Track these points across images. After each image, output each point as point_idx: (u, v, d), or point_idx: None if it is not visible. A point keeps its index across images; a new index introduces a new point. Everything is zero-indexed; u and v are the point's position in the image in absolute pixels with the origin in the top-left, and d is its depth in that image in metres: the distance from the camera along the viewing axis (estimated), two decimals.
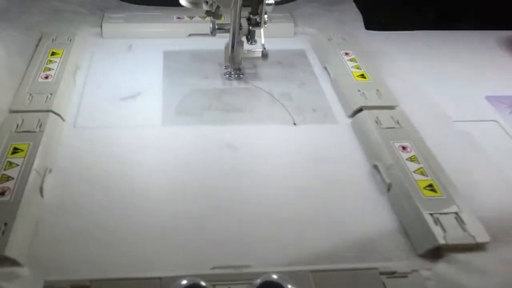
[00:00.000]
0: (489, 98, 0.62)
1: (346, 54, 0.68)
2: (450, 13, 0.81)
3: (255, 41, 0.63)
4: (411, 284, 0.38)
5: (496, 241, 0.42)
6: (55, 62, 0.63)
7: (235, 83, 0.64)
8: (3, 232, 0.40)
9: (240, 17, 0.59)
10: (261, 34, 0.62)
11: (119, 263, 0.41)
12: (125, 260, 0.41)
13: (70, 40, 0.68)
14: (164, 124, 0.56)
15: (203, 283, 0.37)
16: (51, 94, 0.57)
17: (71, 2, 0.76)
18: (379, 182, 0.50)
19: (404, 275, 0.38)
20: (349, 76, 0.63)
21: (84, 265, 0.40)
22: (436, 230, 0.42)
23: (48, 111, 0.54)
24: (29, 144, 0.49)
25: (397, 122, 0.55)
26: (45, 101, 0.56)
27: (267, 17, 0.59)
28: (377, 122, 0.55)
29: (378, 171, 0.50)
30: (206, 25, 0.61)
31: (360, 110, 0.58)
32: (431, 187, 0.47)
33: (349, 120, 0.58)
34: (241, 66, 0.64)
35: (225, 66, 0.65)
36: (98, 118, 0.57)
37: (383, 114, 0.56)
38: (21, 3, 0.73)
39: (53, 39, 0.68)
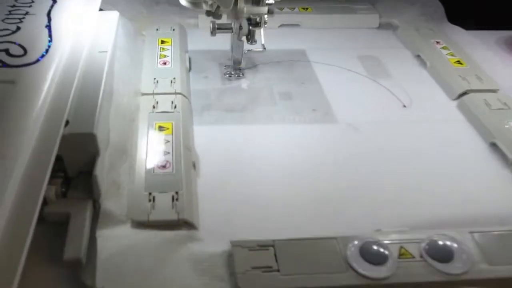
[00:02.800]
0: None
1: (437, 42, 0.71)
2: (450, 13, 0.81)
3: (255, 41, 0.63)
4: None
5: None
6: (167, 49, 0.66)
7: (235, 83, 0.65)
8: (177, 199, 0.43)
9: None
10: (261, 34, 0.63)
11: (280, 228, 0.44)
12: (286, 225, 0.44)
13: (174, 30, 0.71)
14: None
15: (379, 241, 0.40)
16: (174, 78, 0.60)
17: None
18: (499, 158, 0.53)
19: None
20: (446, 62, 0.67)
21: (248, 230, 0.43)
22: None
23: (176, 93, 0.58)
24: (172, 123, 0.53)
25: (505, 103, 0.59)
26: (170, 85, 0.59)
27: (267, 17, 0.60)
28: (486, 104, 0.58)
29: (498, 147, 0.53)
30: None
31: (465, 93, 0.61)
32: None
33: (456, 104, 0.62)
34: (241, 66, 0.65)
35: (225, 66, 0.66)
36: None
37: (488, 97, 0.60)
38: None
39: (157, 29, 0.71)
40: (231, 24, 0.61)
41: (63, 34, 0.45)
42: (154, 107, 0.55)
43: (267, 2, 0.58)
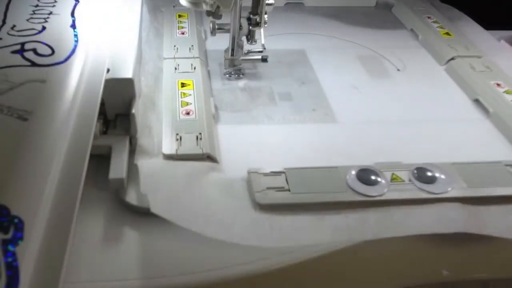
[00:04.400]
0: None
1: (429, 17, 0.79)
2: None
3: (255, 41, 0.64)
4: None
5: None
6: (184, 22, 0.74)
7: (235, 83, 0.65)
8: (201, 139, 0.51)
9: (240, 17, 0.61)
10: (261, 34, 0.64)
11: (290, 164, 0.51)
12: (295, 162, 0.52)
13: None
14: None
15: (374, 168, 0.47)
16: (192, 45, 0.67)
17: None
18: (480, 112, 0.60)
19: None
20: (436, 34, 0.74)
21: (262, 165, 0.50)
22: None
23: (195, 57, 0.65)
24: (193, 80, 0.60)
25: (487, 67, 0.66)
26: (189, 51, 0.66)
27: (267, 17, 0.61)
28: (472, 69, 0.66)
29: (480, 103, 0.61)
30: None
31: (452, 59, 0.69)
32: None
33: (444, 69, 0.69)
34: (241, 66, 0.66)
35: (225, 66, 0.67)
36: None
37: (473, 61, 0.67)
38: None
39: (174, 6, 0.78)
40: (230, 24, 0.62)
41: (88, 32, 0.48)
42: (176, 68, 0.63)
43: (267, 2, 0.60)
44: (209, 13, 0.59)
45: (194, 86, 0.59)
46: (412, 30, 0.79)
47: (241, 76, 0.66)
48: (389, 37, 0.77)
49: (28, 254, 0.29)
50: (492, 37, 0.75)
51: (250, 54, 0.65)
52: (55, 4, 0.51)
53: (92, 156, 0.48)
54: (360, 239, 0.42)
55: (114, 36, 0.53)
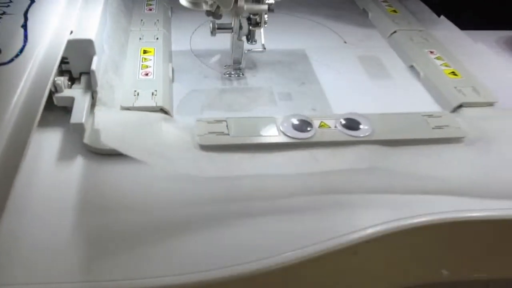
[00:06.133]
0: None
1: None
2: (450, 13, 0.85)
3: (255, 41, 0.64)
4: (445, 121, 0.55)
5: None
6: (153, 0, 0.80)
7: (235, 83, 0.66)
8: (156, 95, 0.57)
9: (240, 17, 0.61)
10: (261, 34, 0.64)
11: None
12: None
13: None
14: None
15: (305, 117, 0.54)
16: (157, 20, 0.74)
17: None
18: (414, 76, 0.67)
19: (439, 116, 0.56)
20: (384, 11, 0.81)
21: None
22: (459, 95, 0.59)
23: (159, 30, 0.71)
24: (154, 48, 0.67)
25: (426, 39, 0.73)
26: (155, 24, 0.73)
27: (267, 17, 0.61)
28: (411, 40, 0.72)
29: (414, 68, 0.68)
30: None
31: (395, 32, 0.75)
32: (453, 73, 0.64)
33: (387, 41, 0.76)
34: (241, 66, 0.67)
35: (225, 66, 0.68)
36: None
37: (413, 34, 0.74)
38: None
39: None
40: (231, 24, 0.62)
41: (40, 34, 0.48)
42: (140, 38, 0.69)
43: (267, 1, 0.59)
44: (209, 13, 0.59)
45: (155, 53, 0.65)
46: (363, 9, 0.85)
47: (241, 76, 0.66)
48: (343, 16, 0.84)
49: None
50: (434, 14, 0.82)
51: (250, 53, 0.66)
52: (9, 4, 0.52)
53: (59, 108, 0.55)
54: (287, 173, 0.49)
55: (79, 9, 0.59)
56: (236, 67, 0.66)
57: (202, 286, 0.39)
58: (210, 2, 0.57)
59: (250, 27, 0.62)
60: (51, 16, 0.53)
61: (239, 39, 0.63)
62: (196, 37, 0.75)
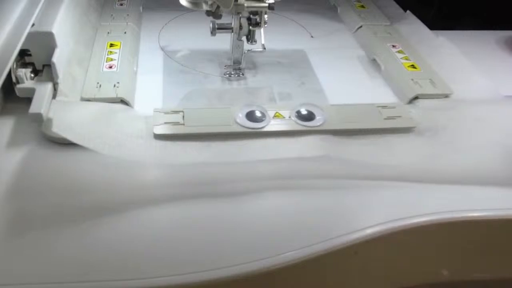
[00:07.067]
0: None
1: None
2: (450, 13, 0.87)
3: (255, 41, 0.64)
4: (398, 111, 0.57)
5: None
6: None
7: (235, 83, 0.66)
8: (118, 87, 0.58)
9: (240, 17, 0.62)
10: (261, 34, 0.64)
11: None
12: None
13: None
14: None
15: (261, 108, 0.55)
16: (127, 15, 0.75)
17: None
18: (376, 70, 0.69)
19: (392, 107, 0.57)
20: (352, 7, 0.83)
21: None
22: (415, 87, 0.61)
23: (128, 24, 0.73)
24: (121, 42, 0.68)
25: (389, 33, 0.74)
26: (124, 19, 0.74)
27: (267, 17, 0.61)
28: (375, 34, 0.74)
29: (376, 62, 0.69)
30: None
31: (360, 27, 0.77)
32: (413, 66, 0.65)
33: (353, 35, 0.77)
34: (241, 66, 0.67)
35: (225, 66, 0.68)
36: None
37: (377, 29, 0.75)
38: None
39: None
40: (231, 24, 0.63)
41: None
42: (108, 33, 0.70)
43: (267, 0, 0.59)
44: (209, 13, 0.59)
45: (121, 47, 0.67)
46: (334, 5, 0.87)
47: (241, 76, 0.66)
48: (314, 11, 0.86)
49: None
50: (400, 9, 0.83)
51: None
52: None
53: (22, 99, 0.56)
54: (238, 161, 0.50)
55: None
56: (236, 67, 0.66)
57: (202, 286, 0.39)
58: (210, 2, 0.57)
59: (250, 27, 0.62)
60: (13, 9, 0.55)
61: (239, 39, 0.63)
62: (165, 33, 0.77)
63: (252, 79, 0.66)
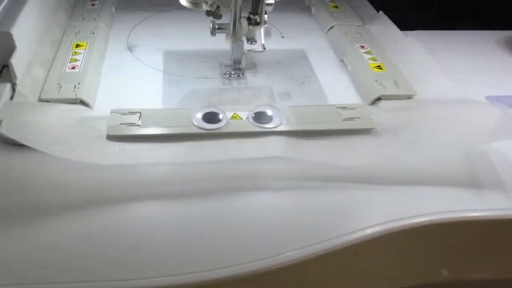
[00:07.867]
0: (489, 98, 0.62)
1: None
2: (450, 13, 0.86)
3: (255, 41, 0.64)
4: (358, 112, 0.56)
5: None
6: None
7: (235, 83, 0.66)
8: (78, 87, 0.58)
9: (240, 17, 0.62)
10: (261, 34, 0.65)
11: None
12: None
13: None
14: None
15: (218, 109, 0.55)
16: (98, 15, 0.75)
17: None
18: (344, 70, 0.68)
19: (353, 108, 0.57)
20: (326, 7, 0.82)
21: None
22: (379, 88, 0.60)
23: (97, 24, 0.73)
24: (87, 42, 0.68)
25: (359, 33, 0.74)
26: (94, 19, 0.74)
27: (267, 17, 0.61)
28: (345, 35, 0.73)
29: (344, 62, 0.69)
30: None
31: (332, 27, 0.77)
32: (379, 67, 0.65)
33: (325, 36, 0.77)
34: (241, 66, 0.67)
35: (225, 66, 0.68)
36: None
37: (348, 29, 0.75)
38: None
39: None
40: (229, 24, 0.62)
41: None
42: (76, 33, 0.70)
43: (267, 2, 0.60)
44: (209, 13, 0.59)
45: (87, 47, 0.67)
46: (309, 5, 0.86)
47: (241, 75, 0.66)
48: (288, 11, 0.85)
49: None
50: (373, 9, 0.82)
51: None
52: None
53: None
54: (194, 161, 0.50)
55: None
56: (236, 67, 0.66)
57: (202, 286, 0.39)
58: (210, 2, 0.57)
59: (250, 27, 0.62)
60: None
61: (239, 39, 0.63)
62: (135, 34, 0.76)
63: (252, 79, 0.66)
